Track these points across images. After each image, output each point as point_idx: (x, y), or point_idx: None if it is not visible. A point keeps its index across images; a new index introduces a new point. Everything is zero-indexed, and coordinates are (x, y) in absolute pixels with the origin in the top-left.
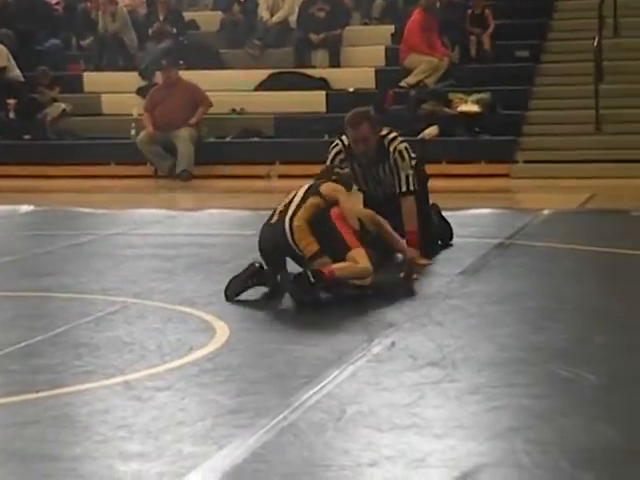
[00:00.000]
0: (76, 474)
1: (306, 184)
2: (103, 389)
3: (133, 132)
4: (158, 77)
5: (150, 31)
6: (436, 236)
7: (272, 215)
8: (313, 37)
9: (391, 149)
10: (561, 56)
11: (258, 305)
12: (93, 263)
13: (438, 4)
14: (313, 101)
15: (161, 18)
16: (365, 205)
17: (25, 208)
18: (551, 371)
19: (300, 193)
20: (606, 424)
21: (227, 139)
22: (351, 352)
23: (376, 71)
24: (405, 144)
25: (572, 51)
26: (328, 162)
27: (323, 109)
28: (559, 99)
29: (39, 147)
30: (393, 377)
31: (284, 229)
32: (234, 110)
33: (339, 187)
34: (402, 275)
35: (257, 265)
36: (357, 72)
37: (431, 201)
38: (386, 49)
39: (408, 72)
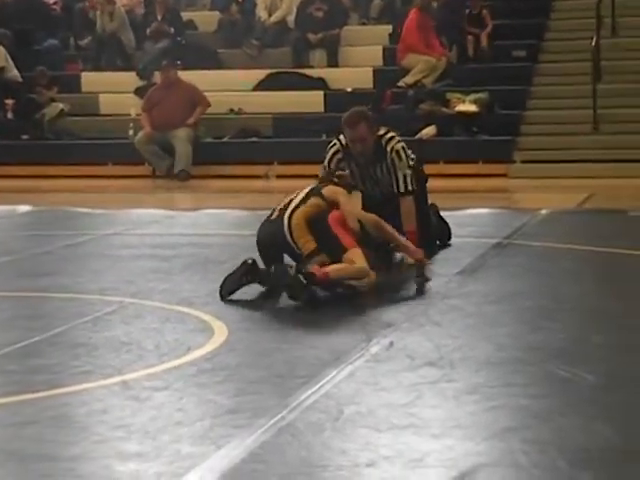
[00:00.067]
0: (74, 474)
1: (308, 186)
2: (101, 389)
3: (131, 132)
4: (156, 77)
5: (148, 31)
6: (434, 236)
7: (271, 213)
8: (311, 37)
9: (388, 149)
10: (559, 56)
11: (256, 305)
12: (91, 263)
13: (435, 4)
14: (311, 101)
15: (159, 18)
16: (363, 205)
17: (23, 208)
18: (549, 371)
19: (302, 194)
20: (604, 424)
21: (225, 139)
22: (349, 352)
23: (374, 71)
24: (402, 144)
25: (570, 51)
26: (326, 162)
27: (321, 109)
28: (557, 99)
29: (37, 147)
30: (391, 377)
31: (283, 225)
32: (232, 110)
33: (340, 189)
34: (416, 277)
35: (250, 262)
36: (355, 72)
37: (430, 201)
38: (384, 49)
39: (406, 72)
